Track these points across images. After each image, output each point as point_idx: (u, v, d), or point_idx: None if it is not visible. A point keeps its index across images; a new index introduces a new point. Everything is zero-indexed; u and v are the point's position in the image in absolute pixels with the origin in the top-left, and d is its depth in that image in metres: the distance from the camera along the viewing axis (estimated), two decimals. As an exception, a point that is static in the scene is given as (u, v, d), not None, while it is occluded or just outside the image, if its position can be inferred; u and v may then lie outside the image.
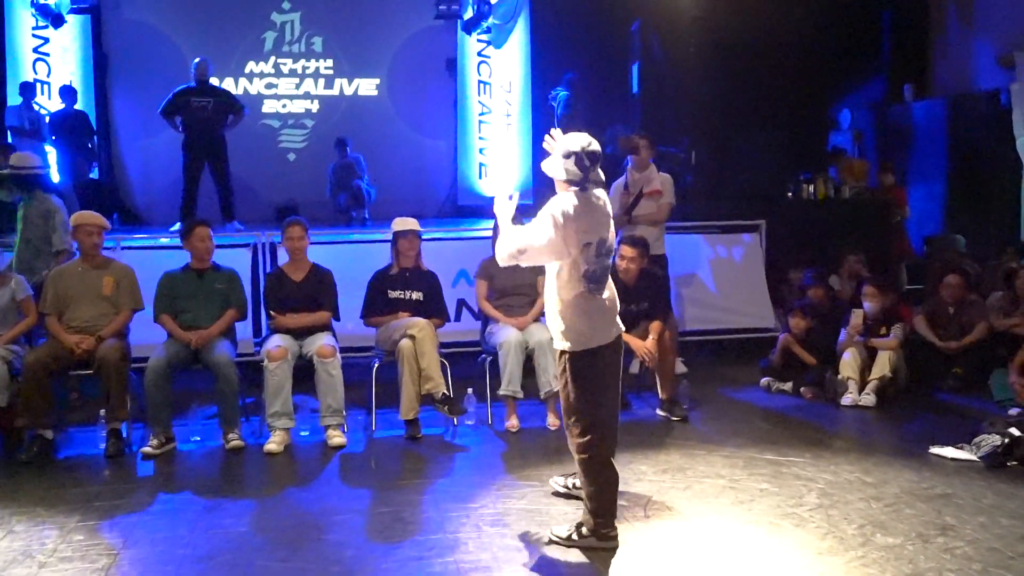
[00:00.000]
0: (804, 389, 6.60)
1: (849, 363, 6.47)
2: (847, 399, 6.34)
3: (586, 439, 3.87)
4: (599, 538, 3.89)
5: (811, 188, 9.17)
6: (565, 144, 3.80)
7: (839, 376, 6.47)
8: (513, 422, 5.81)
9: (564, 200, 3.77)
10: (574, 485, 4.36)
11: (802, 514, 4.26)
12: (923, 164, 11.00)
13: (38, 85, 10.17)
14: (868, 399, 6.30)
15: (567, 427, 3.97)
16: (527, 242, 3.79)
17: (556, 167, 3.80)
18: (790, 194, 9.16)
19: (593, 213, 3.79)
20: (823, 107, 11.15)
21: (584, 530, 3.93)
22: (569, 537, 3.94)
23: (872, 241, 8.76)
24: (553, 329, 3.97)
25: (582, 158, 3.75)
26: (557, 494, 4.51)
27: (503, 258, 3.91)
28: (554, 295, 3.90)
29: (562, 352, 3.92)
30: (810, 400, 6.51)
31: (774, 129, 9.50)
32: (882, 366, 6.41)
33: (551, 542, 3.95)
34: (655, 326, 5.91)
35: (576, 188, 3.78)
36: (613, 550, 3.87)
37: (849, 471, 4.87)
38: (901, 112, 11.38)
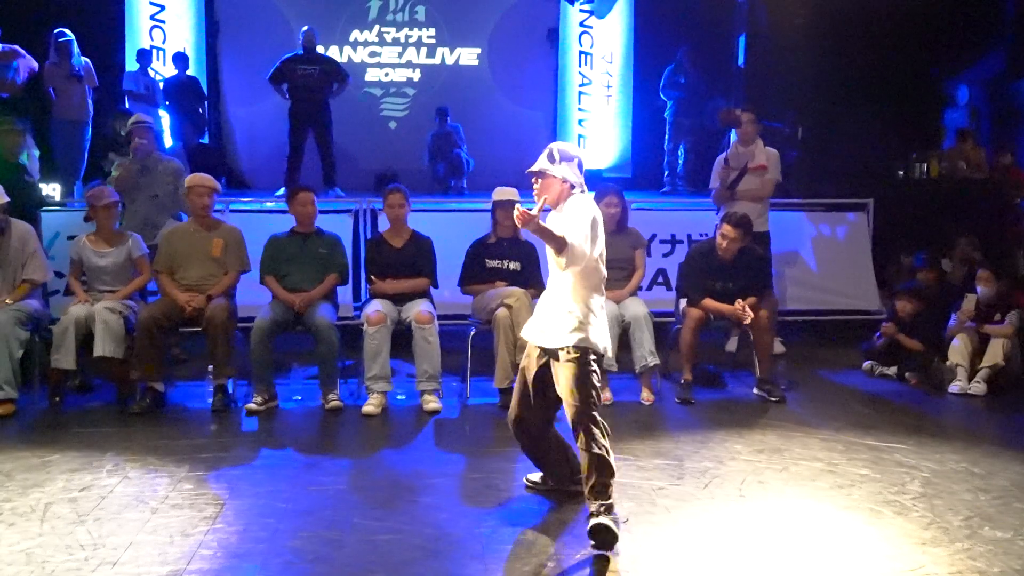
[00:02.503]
0: (909, 375, 6.39)
1: (959, 349, 6.24)
2: (955, 387, 6.11)
3: (597, 437, 3.70)
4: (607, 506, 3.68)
5: (923, 167, 8.83)
6: (562, 151, 4.03)
7: (947, 363, 6.24)
8: (607, 395, 5.78)
9: (585, 202, 3.87)
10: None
11: (904, 502, 4.14)
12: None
13: (154, 52, 10.50)
14: (978, 387, 6.07)
15: (581, 436, 3.72)
16: (578, 240, 3.72)
17: (564, 170, 3.96)
18: (900, 173, 8.83)
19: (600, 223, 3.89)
20: (937, 82, 10.67)
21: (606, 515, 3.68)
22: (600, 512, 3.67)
23: (987, 224, 8.38)
24: (567, 328, 3.79)
25: (582, 164, 3.98)
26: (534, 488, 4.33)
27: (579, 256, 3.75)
28: (575, 295, 3.82)
29: (582, 350, 3.75)
30: (914, 386, 6.30)
31: (884, 105, 9.15)
32: (994, 354, 6.15)
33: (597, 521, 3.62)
34: (750, 300, 5.81)
35: (581, 192, 3.92)
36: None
37: (955, 460, 4.70)
38: (1020, 88, 10.79)
